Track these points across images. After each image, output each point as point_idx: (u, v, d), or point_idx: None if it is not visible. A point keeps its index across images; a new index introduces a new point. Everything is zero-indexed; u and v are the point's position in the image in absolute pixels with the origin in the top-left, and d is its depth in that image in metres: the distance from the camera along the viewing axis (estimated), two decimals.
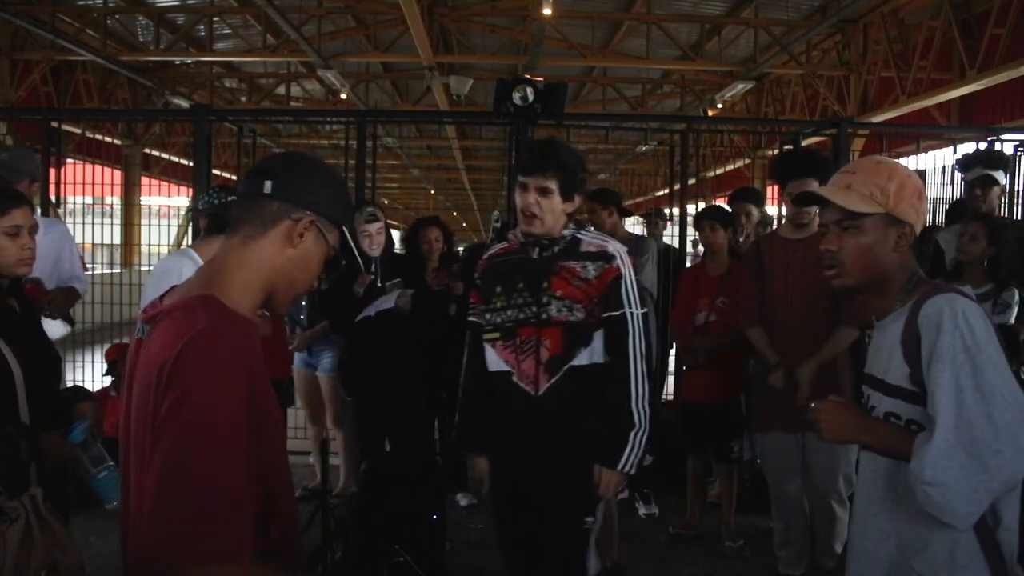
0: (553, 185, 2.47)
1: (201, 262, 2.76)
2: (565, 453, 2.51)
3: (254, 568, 1.25)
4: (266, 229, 1.41)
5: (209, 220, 2.92)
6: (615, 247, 2.55)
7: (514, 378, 2.52)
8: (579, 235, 2.55)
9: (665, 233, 6.91)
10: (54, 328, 3.18)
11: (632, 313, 2.50)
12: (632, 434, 2.47)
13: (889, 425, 1.65)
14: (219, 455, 1.20)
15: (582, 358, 2.48)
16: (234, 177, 7.08)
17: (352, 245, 1.57)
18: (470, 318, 2.67)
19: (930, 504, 1.50)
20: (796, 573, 3.74)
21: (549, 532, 2.57)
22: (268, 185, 1.42)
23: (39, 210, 4.08)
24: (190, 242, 2.95)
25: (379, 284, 4.03)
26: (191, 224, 2.94)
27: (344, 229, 1.51)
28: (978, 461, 1.46)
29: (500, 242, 2.73)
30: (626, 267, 2.52)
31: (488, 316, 2.58)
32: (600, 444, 2.51)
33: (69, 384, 3.22)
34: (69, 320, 3.37)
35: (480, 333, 2.61)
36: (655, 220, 7.16)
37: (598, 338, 2.50)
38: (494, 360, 2.57)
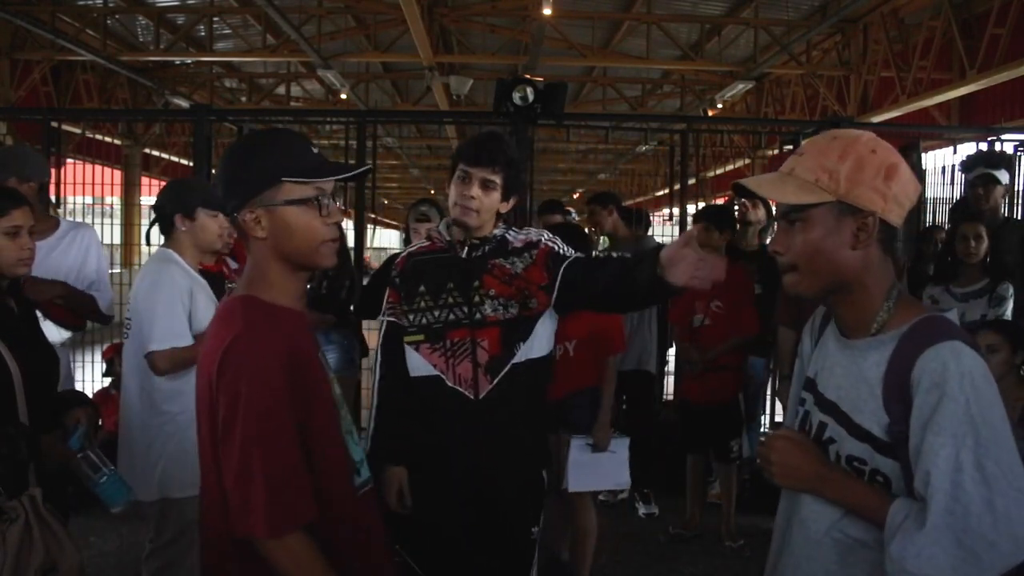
0: (498, 180, 2.35)
1: (183, 262, 2.76)
2: (511, 459, 2.40)
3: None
4: (245, 233, 1.53)
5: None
6: (539, 233, 2.47)
7: (448, 383, 2.36)
8: (507, 235, 2.45)
9: (665, 233, 6.91)
10: (51, 332, 3.12)
11: (581, 256, 2.41)
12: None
13: (854, 482, 1.38)
14: (276, 441, 1.42)
15: (522, 354, 2.37)
16: None
17: (312, 173, 1.51)
18: (387, 318, 2.49)
19: None
20: None
21: (495, 544, 2.42)
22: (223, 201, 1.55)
23: (59, 212, 3.97)
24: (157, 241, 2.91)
25: None
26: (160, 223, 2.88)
27: (287, 178, 1.50)
28: (970, 552, 1.23)
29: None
30: (557, 244, 2.42)
31: (411, 317, 2.42)
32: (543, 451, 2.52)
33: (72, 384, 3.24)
34: (72, 325, 3.24)
35: (399, 335, 2.44)
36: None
37: (541, 328, 2.39)
38: (419, 364, 2.40)
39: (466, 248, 2.41)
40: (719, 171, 15.79)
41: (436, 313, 2.39)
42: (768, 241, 5.18)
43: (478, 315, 2.35)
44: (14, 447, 1.89)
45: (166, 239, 2.84)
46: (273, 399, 1.43)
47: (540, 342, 2.40)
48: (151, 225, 2.88)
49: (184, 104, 11.92)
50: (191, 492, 2.62)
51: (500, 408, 2.36)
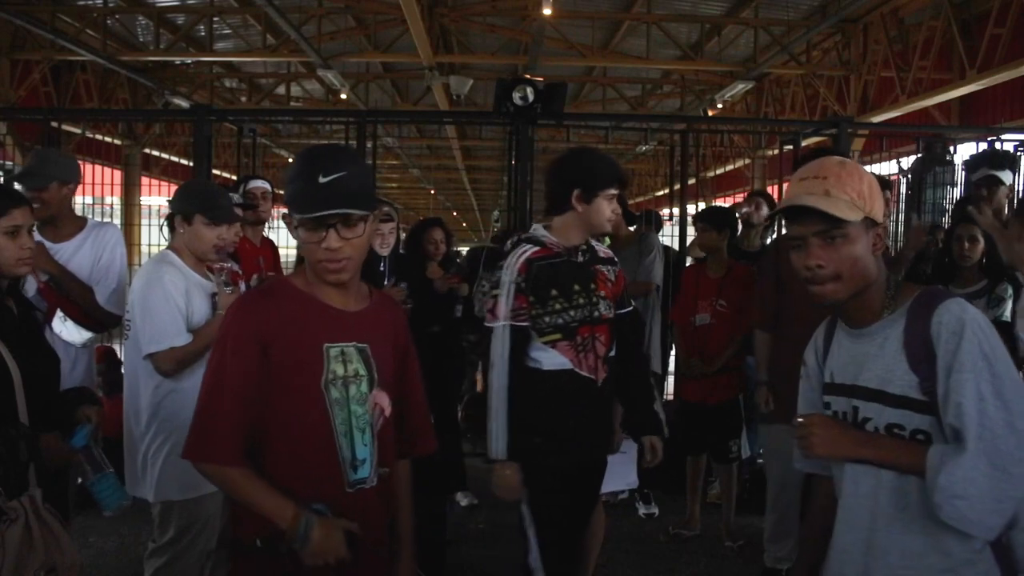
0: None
1: (181, 263, 2.76)
2: (608, 438, 2.86)
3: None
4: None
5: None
6: (607, 251, 2.90)
7: (580, 372, 2.66)
8: (594, 244, 2.82)
9: (664, 233, 6.90)
10: (71, 332, 3.11)
11: (636, 308, 2.83)
12: (657, 405, 2.86)
13: (890, 439, 1.58)
14: (211, 385, 1.69)
15: (614, 350, 2.76)
16: (234, 177, 7.09)
17: (293, 205, 1.69)
18: (518, 323, 2.64)
19: (958, 518, 1.47)
20: (784, 567, 3.73)
21: (593, 495, 2.92)
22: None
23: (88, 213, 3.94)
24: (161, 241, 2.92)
25: (387, 282, 4.06)
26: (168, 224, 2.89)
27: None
28: (1002, 471, 1.44)
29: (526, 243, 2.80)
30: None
31: (547, 319, 2.64)
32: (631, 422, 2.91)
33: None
34: (92, 326, 3.20)
35: (528, 338, 2.65)
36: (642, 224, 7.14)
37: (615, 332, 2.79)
38: (553, 359, 2.65)
39: (580, 254, 2.73)
40: (719, 171, 15.79)
41: (572, 313, 2.66)
42: (768, 242, 5.19)
43: (596, 313, 2.70)
44: (14, 448, 1.90)
45: (171, 239, 2.86)
46: (233, 350, 1.67)
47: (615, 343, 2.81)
48: (161, 223, 2.91)
49: (184, 104, 11.91)
50: (192, 494, 2.63)
51: (609, 390, 2.77)
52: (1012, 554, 1.55)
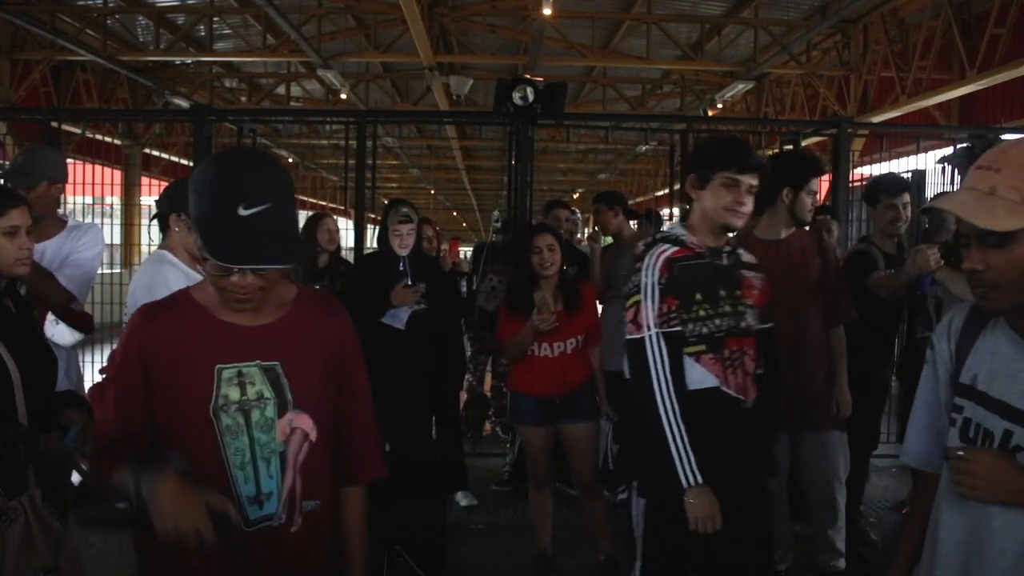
0: (757, 184, 2.34)
1: (178, 262, 2.75)
2: (759, 466, 2.47)
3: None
4: None
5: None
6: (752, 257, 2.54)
7: (727, 391, 2.32)
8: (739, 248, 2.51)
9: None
10: (63, 334, 3.09)
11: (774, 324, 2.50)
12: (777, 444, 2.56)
13: None
14: (106, 392, 1.61)
15: (761, 367, 2.42)
16: None
17: (203, 239, 1.45)
18: (670, 328, 2.30)
19: None
20: (781, 567, 3.71)
21: (743, 539, 2.37)
22: None
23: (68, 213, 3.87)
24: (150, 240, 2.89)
25: (410, 282, 4.05)
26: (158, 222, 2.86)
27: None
28: None
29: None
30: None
31: (691, 326, 2.30)
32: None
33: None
34: (84, 327, 3.16)
35: (682, 344, 2.30)
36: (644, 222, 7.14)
37: None
38: (700, 376, 2.30)
39: (723, 255, 2.40)
40: None
41: (717, 322, 2.33)
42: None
43: (743, 324, 2.36)
44: (13, 448, 1.89)
45: (162, 238, 2.83)
46: (115, 373, 1.59)
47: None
48: (150, 221, 2.88)
49: (184, 104, 11.91)
50: None
51: (759, 416, 2.40)
52: None
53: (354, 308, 4.21)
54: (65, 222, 3.26)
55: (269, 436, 1.54)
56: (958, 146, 5.71)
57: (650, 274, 2.31)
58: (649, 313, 2.29)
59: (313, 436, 1.57)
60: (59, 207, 3.33)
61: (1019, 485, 1.36)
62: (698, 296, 2.31)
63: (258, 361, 1.55)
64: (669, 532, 2.32)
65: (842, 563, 3.57)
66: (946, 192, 1.56)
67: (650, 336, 2.28)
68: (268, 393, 1.55)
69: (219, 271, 1.47)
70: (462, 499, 4.84)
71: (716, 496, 2.24)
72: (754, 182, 2.31)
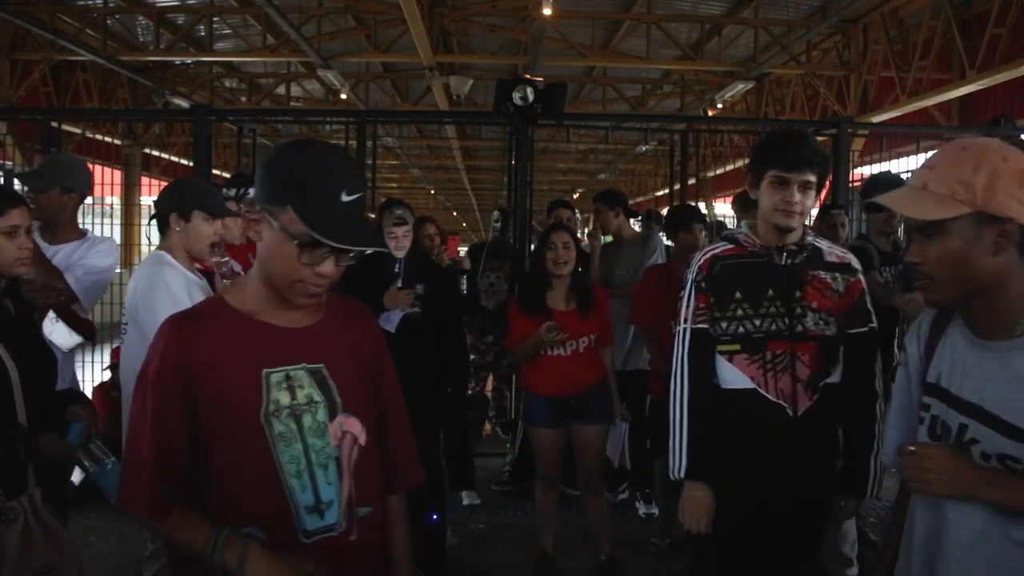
0: (814, 179, 2.24)
1: (177, 263, 2.75)
2: (818, 481, 2.30)
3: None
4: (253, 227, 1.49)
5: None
6: (855, 260, 2.37)
7: (767, 396, 2.25)
8: (818, 243, 2.35)
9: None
10: (61, 334, 3.08)
11: (875, 329, 2.33)
12: (873, 458, 2.27)
13: (1009, 477, 1.40)
14: (133, 429, 1.48)
15: (835, 375, 2.28)
16: None
17: (310, 221, 1.40)
18: (698, 325, 2.33)
19: None
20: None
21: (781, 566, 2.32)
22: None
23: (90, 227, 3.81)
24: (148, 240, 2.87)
25: (400, 285, 4.01)
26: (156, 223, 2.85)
27: (292, 206, 1.41)
28: None
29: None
30: (865, 282, 2.37)
31: (723, 324, 2.29)
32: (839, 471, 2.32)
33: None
34: (84, 330, 3.15)
35: (710, 344, 2.31)
36: (647, 223, 7.14)
37: (840, 355, 2.31)
38: (733, 375, 2.28)
39: (784, 254, 2.29)
40: (719, 171, 15.79)
41: (757, 322, 2.26)
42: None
43: (799, 327, 2.25)
44: (13, 448, 1.89)
45: (161, 239, 2.83)
46: (152, 388, 1.44)
47: (840, 368, 2.31)
48: (149, 221, 2.87)
49: (184, 104, 11.92)
50: None
51: (816, 427, 2.27)
52: None
53: None
54: (85, 233, 3.27)
55: (324, 441, 1.48)
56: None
57: (693, 271, 2.37)
58: (685, 308, 2.35)
59: (362, 440, 1.52)
60: (76, 217, 3.27)
61: (969, 478, 1.40)
62: (737, 295, 2.28)
63: (304, 364, 1.49)
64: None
65: (854, 571, 3.52)
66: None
67: (682, 330, 2.34)
68: (318, 396, 1.49)
69: (314, 258, 1.42)
70: (465, 498, 4.84)
71: (739, 498, 2.24)
72: (809, 178, 2.22)
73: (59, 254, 3.09)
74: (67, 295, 2.99)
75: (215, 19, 11.06)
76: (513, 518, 4.70)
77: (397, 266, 4.01)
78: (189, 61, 13.14)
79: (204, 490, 1.46)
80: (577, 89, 14.47)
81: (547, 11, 8.51)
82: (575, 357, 3.59)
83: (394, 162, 20.64)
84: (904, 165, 6.49)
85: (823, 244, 2.36)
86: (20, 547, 1.87)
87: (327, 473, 1.48)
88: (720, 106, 12.41)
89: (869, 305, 2.34)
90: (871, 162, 10.15)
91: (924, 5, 9.55)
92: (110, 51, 10.93)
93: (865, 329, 2.32)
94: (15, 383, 1.95)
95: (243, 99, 15.00)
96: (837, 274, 2.31)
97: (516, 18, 11.10)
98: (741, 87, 11.74)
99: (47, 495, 2.00)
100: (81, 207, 3.36)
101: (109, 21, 11.05)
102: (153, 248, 2.86)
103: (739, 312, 2.28)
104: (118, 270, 3.68)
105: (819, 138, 6.44)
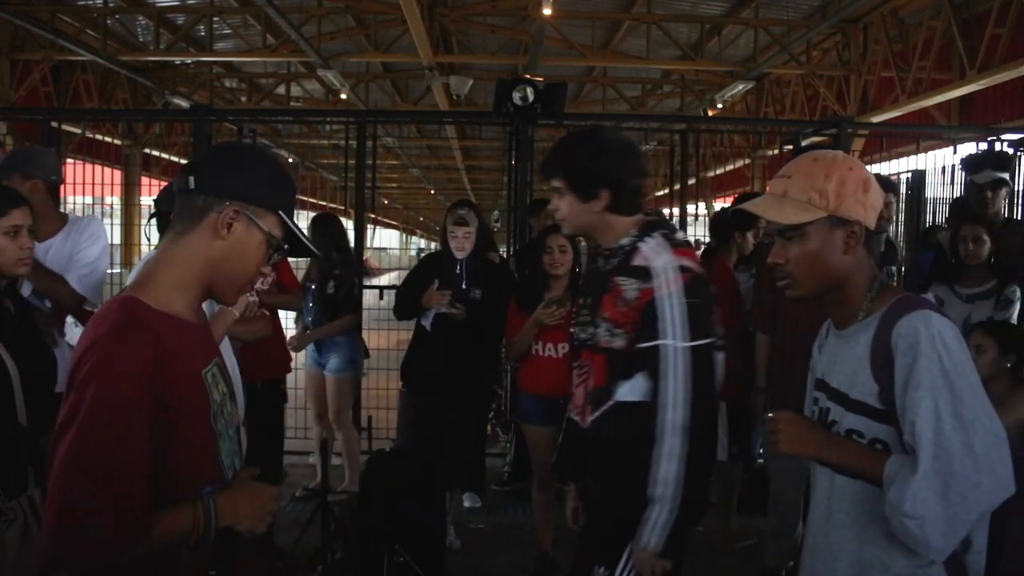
0: (561, 184, 2.11)
1: None
2: (606, 498, 2.12)
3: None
4: (193, 224, 1.45)
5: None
6: (663, 263, 2.00)
7: (569, 404, 2.22)
8: (639, 245, 2.06)
9: None
10: (77, 336, 3.04)
11: (668, 346, 1.95)
12: (648, 510, 1.95)
13: (855, 444, 1.56)
14: (108, 462, 1.27)
15: (626, 394, 2.03)
16: None
17: (296, 229, 1.51)
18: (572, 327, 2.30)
19: (907, 536, 1.44)
20: (783, 566, 3.71)
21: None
22: (192, 180, 1.45)
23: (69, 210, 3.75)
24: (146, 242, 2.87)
25: (464, 286, 3.96)
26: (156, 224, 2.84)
27: (282, 214, 1.50)
28: (956, 493, 1.39)
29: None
30: (669, 287, 1.97)
31: (572, 330, 2.23)
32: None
33: None
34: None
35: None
36: None
37: (638, 370, 2.04)
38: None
39: (604, 258, 2.13)
40: (719, 171, 15.79)
41: (575, 330, 2.18)
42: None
43: (594, 339, 2.08)
44: (13, 449, 1.89)
45: (161, 238, 2.82)
46: (118, 422, 1.28)
47: (639, 385, 2.03)
48: (149, 221, 2.87)
49: (184, 104, 11.91)
50: None
51: (600, 442, 2.09)
52: (966, 574, 1.52)
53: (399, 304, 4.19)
54: (65, 217, 3.24)
55: (234, 430, 1.53)
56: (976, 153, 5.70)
57: None
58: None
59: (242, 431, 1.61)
60: (49, 203, 3.18)
61: (812, 439, 1.59)
62: (580, 300, 2.22)
63: (215, 359, 1.50)
64: None
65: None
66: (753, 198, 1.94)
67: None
68: (225, 389, 1.51)
69: (270, 260, 1.52)
70: (466, 499, 4.84)
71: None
72: (556, 184, 2.12)
73: (50, 251, 3.05)
74: (72, 300, 2.98)
75: (215, 19, 11.05)
76: (513, 518, 4.71)
77: (458, 267, 3.98)
78: (189, 61, 13.13)
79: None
80: (577, 89, 14.47)
81: (547, 11, 8.51)
82: (567, 358, 3.57)
83: (394, 162, 20.64)
84: (904, 165, 6.48)
85: (648, 244, 2.05)
86: (20, 547, 1.87)
87: (238, 464, 1.53)
88: (720, 106, 12.40)
89: (661, 319, 1.97)
90: (871, 162, 10.15)
91: (924, 5, 9.55)
92: (110, 51, 10.92)
93: (647, 346, 1.97)
94: (15, 383, 1.95)
95: (243, 99, 14.99)
96: (633, 280, 2.02)
97: (516, 18, 11.09)
98: (741, 87, 11.73)
99: (47, 495, 2.00)
100: (81, 207, 3.34)
101: (109, 21, 11.04)
102: (153, 248, 2.86)
103: (578, 318, 2.18)
104: (119, 270, 3.68)
105: (819, 138, 6.45)
